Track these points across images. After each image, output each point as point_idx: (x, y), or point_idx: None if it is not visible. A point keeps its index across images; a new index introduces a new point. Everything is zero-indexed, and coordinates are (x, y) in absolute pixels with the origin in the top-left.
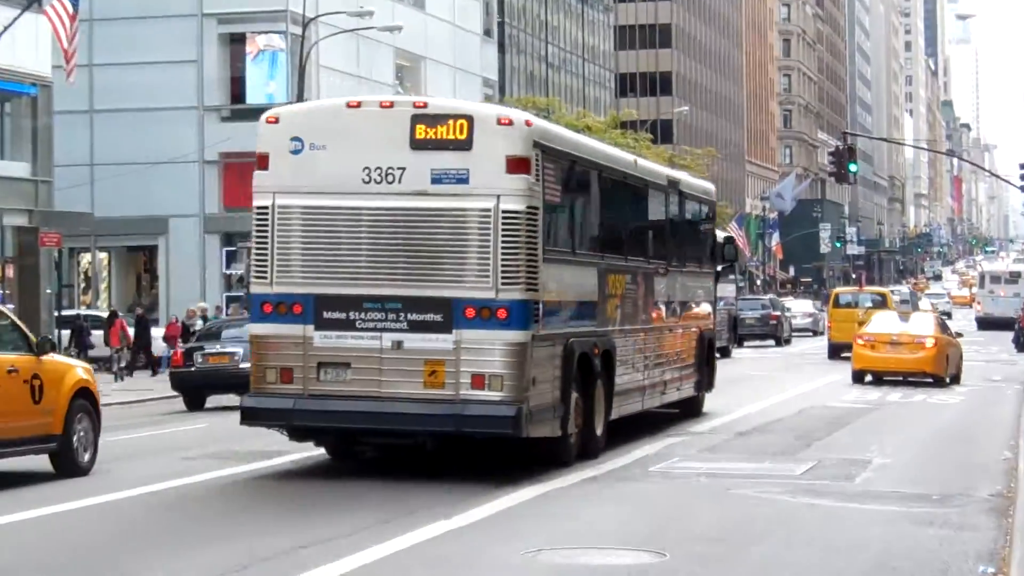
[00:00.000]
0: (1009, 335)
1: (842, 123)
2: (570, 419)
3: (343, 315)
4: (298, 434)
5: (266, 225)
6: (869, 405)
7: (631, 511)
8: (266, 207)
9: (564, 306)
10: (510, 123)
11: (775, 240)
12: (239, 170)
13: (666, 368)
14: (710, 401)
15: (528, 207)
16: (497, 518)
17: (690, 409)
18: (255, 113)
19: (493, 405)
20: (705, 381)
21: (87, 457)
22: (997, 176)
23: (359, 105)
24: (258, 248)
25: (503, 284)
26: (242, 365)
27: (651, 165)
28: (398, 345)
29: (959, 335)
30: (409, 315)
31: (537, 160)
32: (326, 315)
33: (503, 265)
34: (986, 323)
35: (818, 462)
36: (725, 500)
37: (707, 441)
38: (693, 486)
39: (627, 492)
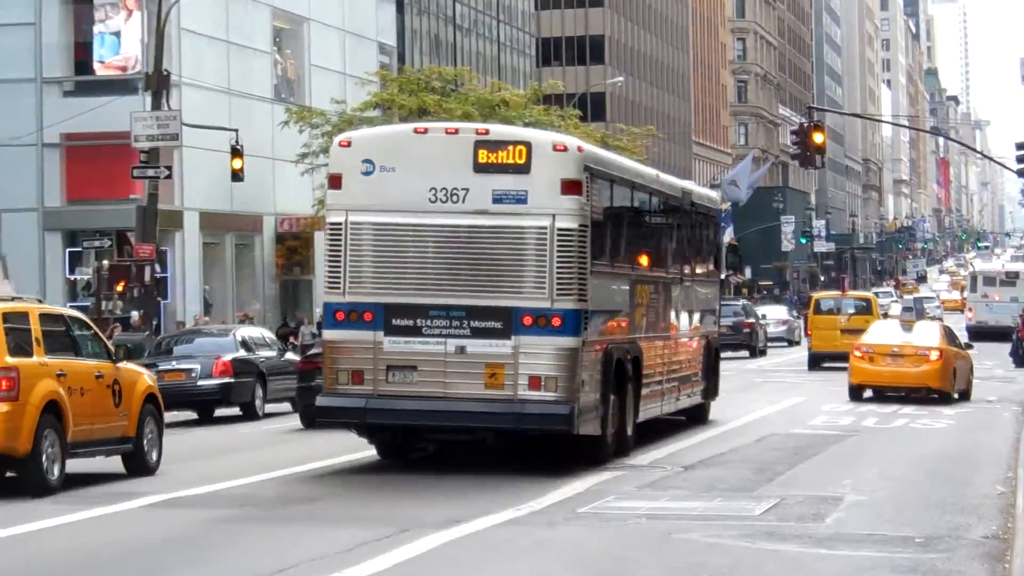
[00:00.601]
0: (1005, 347)
1: (807, 96)
2: (608, 419)
3: (411, 322)
4: (367, 431)
5: (339, 240)
6: (842, 431)
7: (552, 566)
8: (339, 223)
9: (605, 315)
10: (565, 149)
11: (728, 236)
12: (86, 155)
13: (680, 375)
14: (648, 433)
15: (580, 225)
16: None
17: (697, 416)
18: (104, 87)
19: (549, 404)
20: (712, 389)
21: (154, 458)
22: (990, 158)
23: (426, 131)
24: (331, 261)
25: (558, 294)
26: (200, 382)
27: (668, 178)
28: (461, 350)
29: (969, 346)
30: (472, 322)
31: (586, 182)
32: (395, 322)
33: (558, 277)
34: (979, 333)
35: (780, 500)
36: (667, 548)
37: (647, 476)
38: (630, 531)
39: (549, 540)
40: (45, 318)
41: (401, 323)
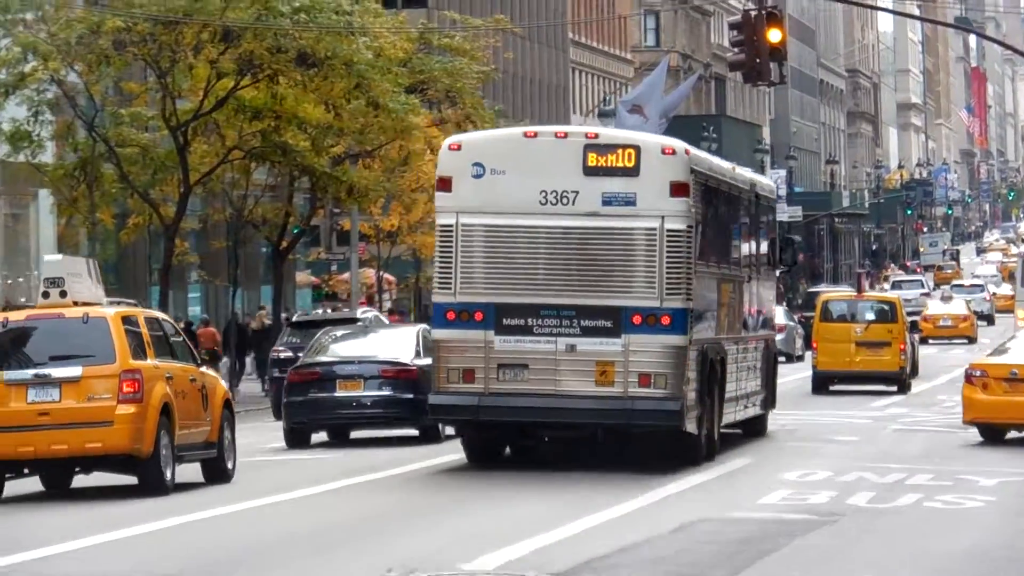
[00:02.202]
0: None
1: None
2: (704, 419)
3: (522, 321)
4: (478, 428)
5: (450, 241)
6: (818, 516)
7: None
8: (450, 225)
9: (702, 315)
10: (673, 152)
11: None
12: None
13: (750, 380)
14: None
15: (688, 226)
16: None
17: (755, 428)
18: None
19: (659, 400)
20: (770, 398)
21: (231, 465)
22: None
23: (535, 135)
24: (442, 261)
25: (667, 294)
26: None
27: (741, 171)
28: (572, 348)
29: None
30: (582, 321)
31: (692, 184)
32: (506, 321)
33: (667, 277)
34: None
35: None
36: None
37: None
38: None
39: None
40: (149, 321)
41: (512, 322)
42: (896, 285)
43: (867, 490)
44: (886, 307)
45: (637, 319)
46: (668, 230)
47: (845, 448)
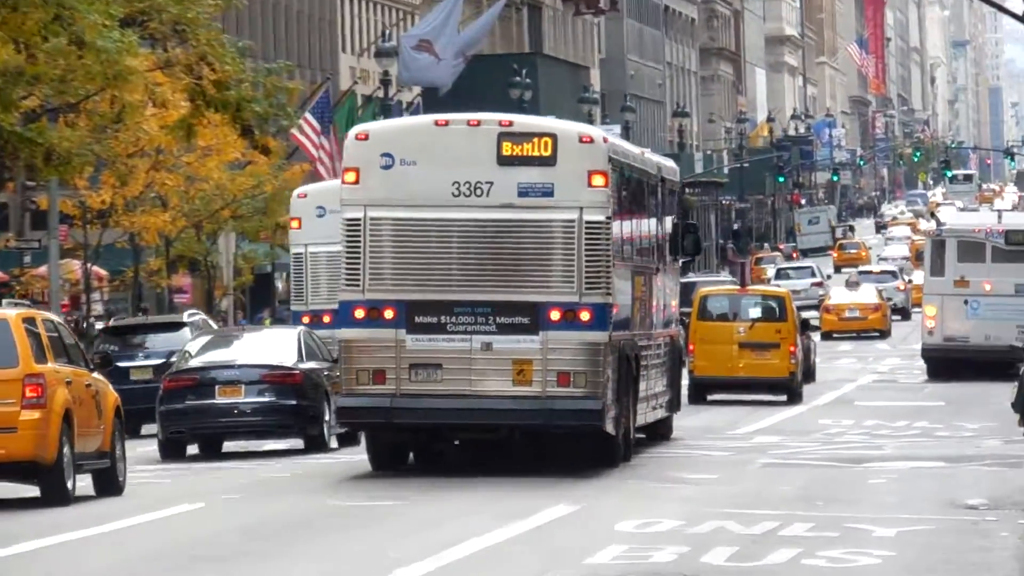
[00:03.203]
0: (996, 390)
1: None
2: (621, 420)
3: (434, 319)
4: (390, 432)
5: (358, 236)
6: None
7: None
8: (358, 219)
9: (620, 310)
10: (591, 140)
11: None
12: None
13: (659, 379)
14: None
15: (607, 217)
16: None
17: (660, 432)
18: None
19: (579, 400)
20: (675, 399)
21: (122, 477)
22: None
23: (447, 123)
24: (349, 257)
25: (586, 288)
26: None
27: (649, 155)
28: (488, 346)
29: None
30: (498, 318)
31: (610, 173)
32: (418, 319)
33: (587, 271)
34: (948, 361)
35: None
36: None
37: None
38: None
39: None
40: (46, 323)
41: (424, 320)
42: (781, 275)
43: (727, 544)
44: (773, 303)
45: (555, 315)
46: (587, 222)
47: (700, 489)
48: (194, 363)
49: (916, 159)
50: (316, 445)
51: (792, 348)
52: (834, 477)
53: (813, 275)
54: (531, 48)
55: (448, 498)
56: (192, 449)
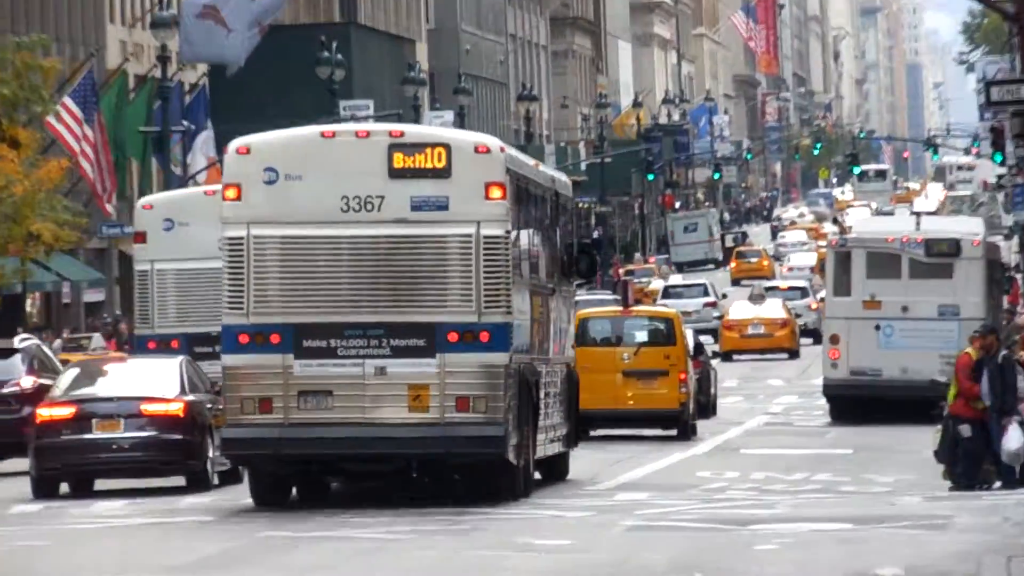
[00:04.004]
0: (917, 436)
1: None
2: (522, 449)
3: (324, 343)
4: (277, 465)
5: (241, 255)
6: None
7: None
8: (240, 237)
9: (520, 331)
10: (488, 151)
11: (203, 151)
12: None
13: (556, 410)
14: None
15: (506, 231)
16: None
17: (557, 469)
18: None
19: (479, 426)
20: (572, 433)
21: None
22: None
23: (334, 135)
24: (232, 278)
25: (486, 307)
26: None
27: (543, 168)
28: (381, 371)
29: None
30: (392, 341)
31: (508, 184)
32: (306, 343)
33: (485, 289)
34: (854, 401)
35: None
36: None
37: None
38: None
39: None
40: None
41: (313, 344)
42: (669, 293)
43: None
44: (661, 325)
45: (453, 336)
46: (485, 236)
47: (549, 560)
48: (72, 394)
49: (817, 152)
50: (198, 482)
51: (682, 376)
52: (714, 543)
53: (706, 293)
54: (343, 17)
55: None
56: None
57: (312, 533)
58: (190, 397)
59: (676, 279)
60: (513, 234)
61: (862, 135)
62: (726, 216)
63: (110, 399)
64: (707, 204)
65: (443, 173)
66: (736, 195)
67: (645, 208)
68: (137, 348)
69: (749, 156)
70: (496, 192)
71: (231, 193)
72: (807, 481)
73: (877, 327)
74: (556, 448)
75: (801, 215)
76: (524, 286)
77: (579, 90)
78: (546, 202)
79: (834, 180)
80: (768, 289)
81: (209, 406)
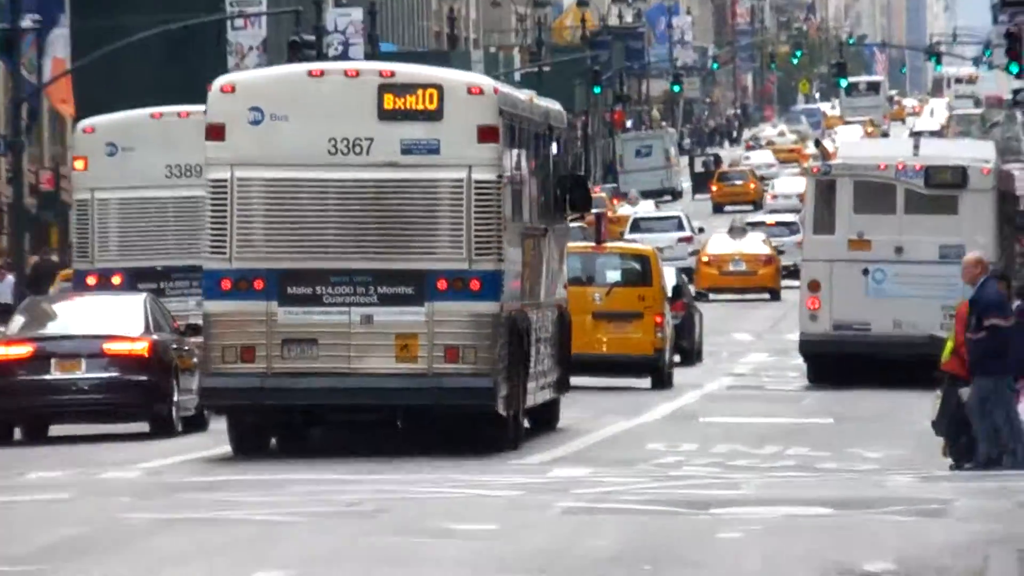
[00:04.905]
0: (911, 403)
1: None
2: (512, 400)
3: (309, 290)
4: (259, 415)
5: (224, 198)
6: None
7: None
8: (224, 179)
9: (510, 277)
10: (480, 92)
11: (52, 52)
12: None
13: (547, 355)
14: None
15: (498, 176)
16: None
17: (545, 417)
18: None
19: (468, 377)
20: (564, 379)
21: None
22: None
23: (322, 74)
24: (215, 222)
25: (476, 255)
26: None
27: (538, 101)
28: (368, 319)
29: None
30: (379, 288)
31: (502, 127)
32: (291, 290)
33: (476, 235)
34: (836, 360)
35: None
36: None
37: None
38: None
39: None
40: None
41: (298, 291)
42: (640, 226)
43: None
44: (636, 263)
45: (442, 284)
46: (476, 181)
47: (470, 549)
48: (27, 333)
49: (796, 61)
50: (163, 428)
51: (658, 319)
52: (667, 529)
53: (680, 227)
54: None
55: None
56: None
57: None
58: (155, 336)
59: (646, 208)
60: (505, 178)
61: (851, 41)
62: (686, 138)
63: (70, 337)
64: (664, 123)
65: (434, 115)
66: (699, 112)
67: (591, 127)
68: (75, 284)
69: (715, 66)
70: (489, 135)
71: (214, 133)
72: (779, 456)
73: (865, 271)
74: (547, 395)
75: (781, 134)
76: (516, 230)
77: None
78: (540, 138)
79: (816, 95)
80: (751, 224)
81: (175, 347)
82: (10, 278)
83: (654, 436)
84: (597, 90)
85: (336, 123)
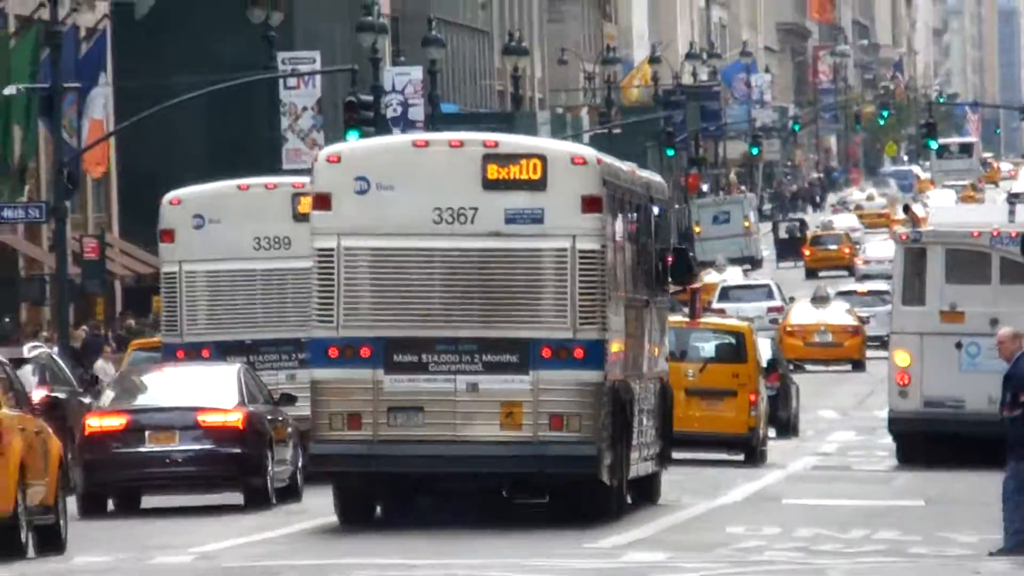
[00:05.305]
0: (999, 480)
1: None
2: (616, 469)
3: (415, 358)
4: (367, 482)
5: (331, 267)
6: None
7: None
8: (331, 248)
9: (614, 347)
10: (584, 162)
11: (89, 113)
12: None
13: (650, 427)
14: None
15: (602, 245)
16: None
17: (647, 491)
18: None
19: (573, 445)
20: (666, 452)
21: (64, 533)
22: None
23: (427, 144)
24: (322, 291)
25: (581, 323)
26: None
27: (640, 172)
28: (473, 387)
29: None
30: (484, 356)
31: (605, 197)
32: (397, 358)
33: (581, 304)
34: (928, 438)
35: None
36: None
37: None
38: None
39: None
40: None
41: (404, 359)
42: (727, 295)
43: None
44: (731, 339)
45: (547, 352)
46: (580, 251)
47: None
48: (122, 404)
49: (883, 122)
50: (258, 499)
51: (753, 397)
52: None
53: (770, 296)
54: None
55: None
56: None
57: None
58: (250, 408)
59: (734, 276)
60: (609, 248)
61: (941, 100)
62: (766, 203)
63: (163, 409)
64: (742, 188)
65: (538, 185)
66: (780, 176)
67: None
68: (164, 358)
69: (796, 127)
70: (592, 205)
71: (321, 203)
72: (867, 540)
73: (959, 345)
74: (648, 468)
75: (870, 198)
76: (619, 300)
77: (581, 41)
78: (641, 209)
79: (904, 158)
80: (841, 293)
81: (269, 417)
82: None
83: (735, 518)
84: (670, 152)
85: (441, 193)
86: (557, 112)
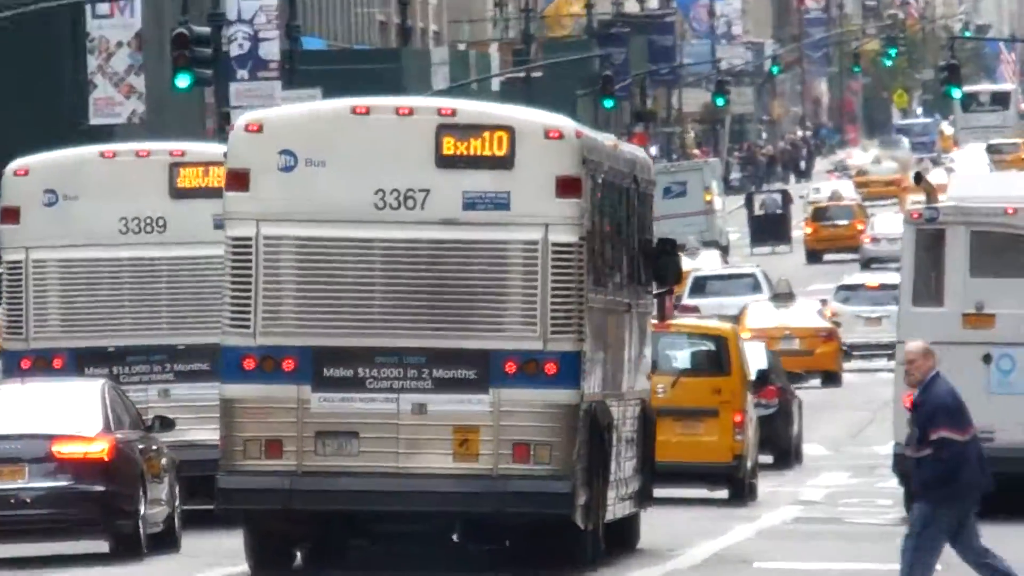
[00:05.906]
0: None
1: None
2: (591, 509)
3: (349, 372)
4: (287, 522)
5: (248, 261)
6: None
7: None
8: (248, 237)
9: (592, 361)
10: (560, 136)
11: None
12: None
13: (628, 459)
14: None
15: (580, 238)
16: None
17: (623, 535)
18: None
19: (541, 480)
20: (646, 489)
21: None
22: None
23: (368, 111)
24: (236, 289)
25: (553, 332)
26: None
27: (623, 147)
28: (421, 408)
29: None
30: (434, 371)
31: (584, 179)
32: (327, 372)
33: (553, 309)
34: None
35: None
36: None
37: None
38: None
39: None
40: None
41: (336, 373)
42: (701, 288)
43: None
44: (711, 345)
45: (511, 367)
46: (554, 244)
47: None
48: None
49: (890, 63)
50: (127, 548)
51: (738, 417)
52: None
53: (756, 288)
54: None
55: None
56: None
57: None
58: (117, 435)
59: (710, 263)
60: (588, 240)
61: (967, 34)
62: (734, 170)
63: (7, 437)
64: (704, 150)
65: (504, 163)
66: (753, 136)
67: None
68: (5, 369)
69: (775, 70)
70: (569, 188)
71: (238, 182)
72: None
73: (987, 358)
74: (627, 508)
75: (876, 162)
76: (599, 304)
77: None
78: (625, 193)
79: (918, 110)
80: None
81: (141, 447)
82: None
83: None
84: (609, 104)
85: (384, 171)
86: (458, 49)
